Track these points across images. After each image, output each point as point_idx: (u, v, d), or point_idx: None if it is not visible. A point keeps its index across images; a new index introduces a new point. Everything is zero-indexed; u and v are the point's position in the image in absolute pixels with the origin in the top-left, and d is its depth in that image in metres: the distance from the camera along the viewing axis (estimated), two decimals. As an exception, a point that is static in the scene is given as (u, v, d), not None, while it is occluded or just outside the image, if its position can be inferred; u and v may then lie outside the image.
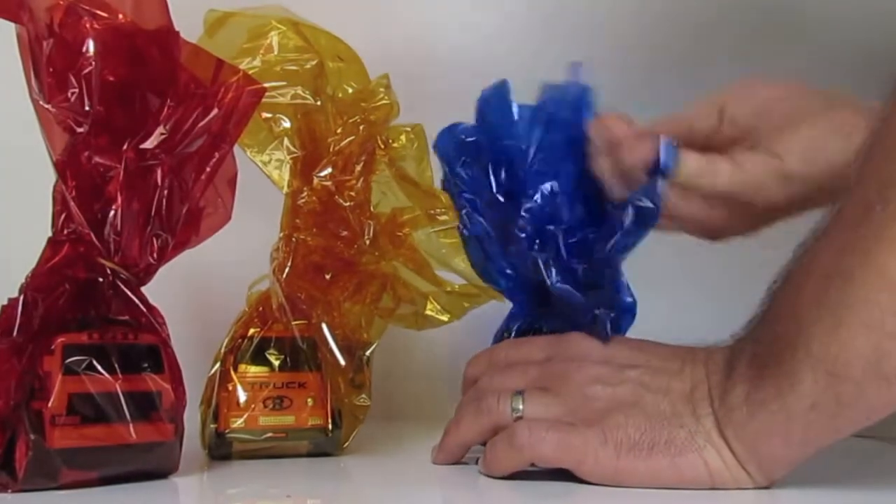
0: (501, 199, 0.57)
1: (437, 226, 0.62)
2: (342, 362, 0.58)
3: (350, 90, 0.59)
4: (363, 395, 0.59)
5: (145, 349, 0.48)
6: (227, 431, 0.55)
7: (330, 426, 0.57)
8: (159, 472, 0.48)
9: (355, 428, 0.59)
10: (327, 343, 0.58)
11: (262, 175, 0.58)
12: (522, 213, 0.55)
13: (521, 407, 0.50)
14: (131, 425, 0.46)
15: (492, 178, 0.57)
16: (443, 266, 0.63)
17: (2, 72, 0.53)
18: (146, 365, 0.47)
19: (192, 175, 0.49)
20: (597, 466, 0.47)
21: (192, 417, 0.52)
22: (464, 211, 0.59)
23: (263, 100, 0.52)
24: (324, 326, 0.58)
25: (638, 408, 0.48)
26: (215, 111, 0.49)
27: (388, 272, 0.61)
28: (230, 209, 0.52)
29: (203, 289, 0.72)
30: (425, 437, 0.58)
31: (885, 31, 0.79)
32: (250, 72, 0.53)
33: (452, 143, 0.59)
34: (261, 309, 0.58)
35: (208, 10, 0.57)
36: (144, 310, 0.48)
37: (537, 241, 0.55)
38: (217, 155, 0.49)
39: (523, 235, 0.55)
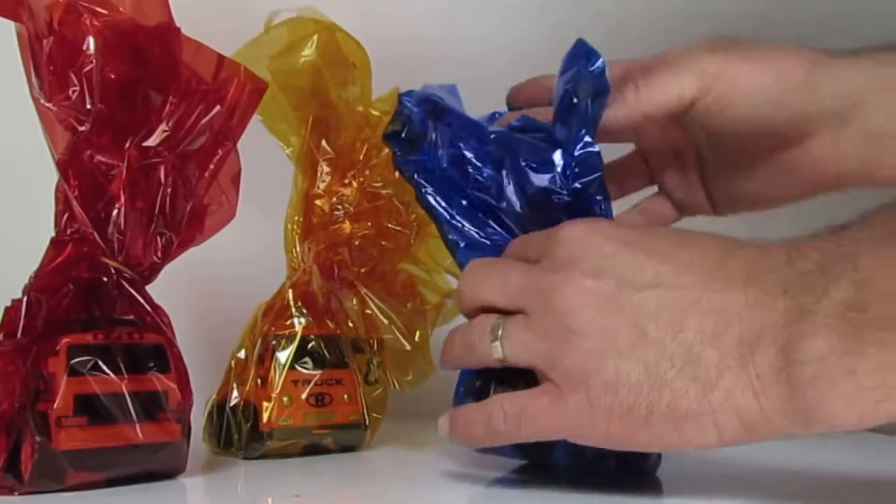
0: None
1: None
2: (408, 347, 0.60)
3: (361, 96, 0.59)
4: (380, 390, 0.60)
5: (151, 349, 0.47)
6: (272, 430, 0.55)
7: (367, 421, 0.57)
8: (166, 473, 0.48)
9: (378, 424, 0.59)
10: (393, 334, 0.60)
11: (265, 172, 0.58)
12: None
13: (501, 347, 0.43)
14: (138, 426, 0.46)
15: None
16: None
17: (2, 71, 0.52)
18: (152, 364, 0.47)
19: (196, 172, 0.49)
20: (586, 438, 0.41)
21: (196, 417, 0.52)
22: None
23: (296, 97, 0.53)
24: (384, 319, 0.59)
25: (638, 350, 0.38)
26: (218, 108, 0.48)
27: (407, 271, 0.62)
28: (234, 206, 0.52)
29: (207, 287, 0.72)
30: (426, 432, 0.58)
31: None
32: (283, 71, 0.55)
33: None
34: (295, 305, 0.58)
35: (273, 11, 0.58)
36: (149, 309, 0.48)
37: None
38: (220, 152, 0.49)
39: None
